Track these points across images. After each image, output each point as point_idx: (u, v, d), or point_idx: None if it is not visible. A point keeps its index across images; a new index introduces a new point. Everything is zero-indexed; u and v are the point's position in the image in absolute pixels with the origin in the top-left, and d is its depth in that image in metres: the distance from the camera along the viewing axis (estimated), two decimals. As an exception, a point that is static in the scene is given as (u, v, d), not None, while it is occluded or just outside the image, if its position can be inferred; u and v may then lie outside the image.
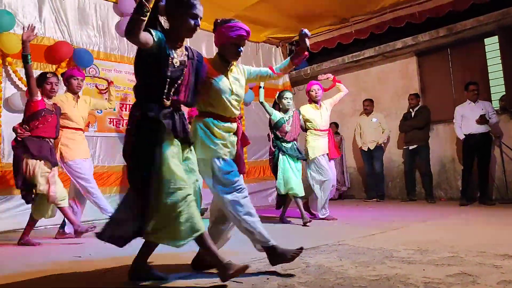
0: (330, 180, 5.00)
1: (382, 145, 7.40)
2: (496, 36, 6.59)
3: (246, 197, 2.52)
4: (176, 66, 2.30)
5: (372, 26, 7.43)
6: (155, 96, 2.27)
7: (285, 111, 4.90)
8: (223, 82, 2.56)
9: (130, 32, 2.08)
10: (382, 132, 7.38)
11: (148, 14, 2.10)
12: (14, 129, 3.95)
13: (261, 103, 4.97)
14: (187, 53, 2.41)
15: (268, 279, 2.27)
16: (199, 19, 2.33)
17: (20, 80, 5.18)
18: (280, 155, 4.81)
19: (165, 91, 2.28)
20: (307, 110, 5.14)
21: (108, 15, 6.17)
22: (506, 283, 2.02)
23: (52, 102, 4.16)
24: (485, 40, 6.78)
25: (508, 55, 6.42)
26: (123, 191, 5.53)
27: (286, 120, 4.83)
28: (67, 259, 3.12)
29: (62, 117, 4.30)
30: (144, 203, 2.18)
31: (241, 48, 2.56)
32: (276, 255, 2.46)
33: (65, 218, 4.12)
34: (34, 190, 3.93)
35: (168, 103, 2.30)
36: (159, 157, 2.20)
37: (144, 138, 2.23)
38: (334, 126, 8.28)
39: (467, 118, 6.13)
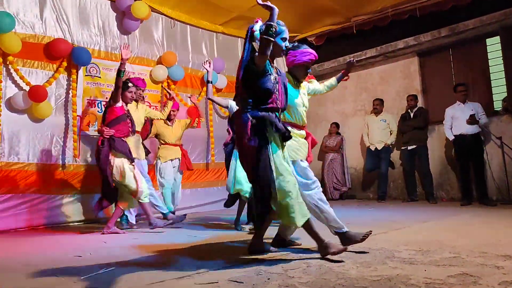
0: None
1: (390, 146, 7.36)
2: (498, 37, 6.58)
3: (320, 190, 3.10)
4: (273, 81, 2.80)
5: (374, 20, 7.39)
6: (263, 104, 2.75)
7: None
8: (298, 97, 3.15)
9: (266, 53, 2.62)
10: (390, 134, 7.35)
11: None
12: (100, 131, 4.43)
13: (209, 99, 4.71)
14: (276, 70, 2.95)
15: (269, 279, 2.26)
16: (287, 41, 2.94)
17: (22, 79, 5.18)
18: (235, 150, 4.26)
19: (270, 100, 2.77)
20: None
21: (109, 14, 6.18)
22: (507, 284, 2.00)
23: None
24: (487, 40, 6.76)
25: (510, 56, 6.41)
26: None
27: None
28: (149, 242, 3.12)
29: None
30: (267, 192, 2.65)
31: (309, 69, 3.22)
32: (348, 238, 3.00)
33: (145, 213, 4.55)
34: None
35: (273, 109, 2.79)
36: (273, 155, 2.73)
37: (261, 139, 2.70)
38: (335, 126, 8.26)
39: (457, 119, 6.19)
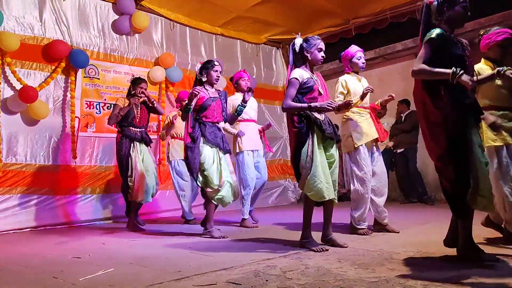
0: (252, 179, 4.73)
1: (391, 148, 7.40)
2: (497, 39, 6.58)
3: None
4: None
5: (372, 23, 7.41)
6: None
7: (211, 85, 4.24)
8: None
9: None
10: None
11: None
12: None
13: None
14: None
15: (267, 280, 2.26)
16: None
17: (19, 81, 5.17)
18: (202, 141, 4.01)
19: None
20: (234, 99, 4.78)
21: (109, 15, 6.18)
22: (506, 285, 2.01)
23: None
24: (486, 42, 6.76)
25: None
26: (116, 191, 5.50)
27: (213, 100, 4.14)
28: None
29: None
30: None
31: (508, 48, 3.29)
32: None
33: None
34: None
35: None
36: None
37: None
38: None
39: None
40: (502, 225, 3.15)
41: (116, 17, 6.22)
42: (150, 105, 4.84)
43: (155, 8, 6.59)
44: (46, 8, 5.54)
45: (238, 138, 4.76)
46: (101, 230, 4.81)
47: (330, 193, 3.14)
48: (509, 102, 3.15)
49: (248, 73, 5.10)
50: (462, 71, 2.43)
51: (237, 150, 4.78)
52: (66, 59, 5.55)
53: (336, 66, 8.22)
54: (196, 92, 3.90)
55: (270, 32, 8.01)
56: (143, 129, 4.86)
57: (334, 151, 3.34)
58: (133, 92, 4.82)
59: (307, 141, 3.16)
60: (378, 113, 7.59)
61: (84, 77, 5.83)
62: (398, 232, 3.84)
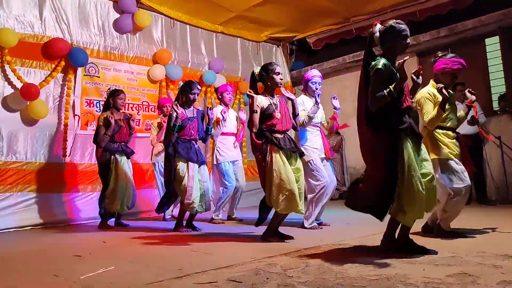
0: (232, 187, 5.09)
1: None
2: (497, 37, 6.58)
3: None
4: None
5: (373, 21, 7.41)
6: None
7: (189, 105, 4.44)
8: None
9: None
10: None
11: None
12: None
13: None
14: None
15: (268, 278, 2.26)
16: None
17: (19, 79, 5.17)
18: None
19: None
20: (218, 111, 5.01)
21: (109, 14, 6.18)
22: (506, 283, 2.01)
23: None
24: (486, 40, 6.77)
25: (509, 56, 6.41)
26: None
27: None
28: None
29: None
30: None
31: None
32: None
33: None
34: None
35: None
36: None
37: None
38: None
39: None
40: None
41: (117, 15, 6.22)
42: (130, 122, 4.97)
43: (155, 6, 6.58)
44: (46, 6, 5.54)
45: (217, 151, 5.14)
46: (102, 228, 4.81)
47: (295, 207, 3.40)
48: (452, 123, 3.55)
49: (232, 87, 5.44)
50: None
51: (217, 162, 5.13)
52: (66, 58, 5.55)
53: (336, 64, 8.23)
54: (175, 113, 4.18)
55: (270, 30, 8.01)
56: (122, 143, 4.92)
57: (299, 164, 3.59)
58: (112, 104, 4.88)
59: (267, 159, 3.44)
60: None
61: (84, 75, 5.83)
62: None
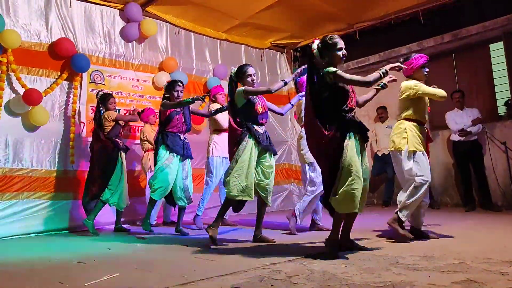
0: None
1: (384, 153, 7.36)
2: (502, 42, 6.57)
3: None
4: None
5: (377, 26, 7.43)
6: None
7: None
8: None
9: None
10: None
11: None
12: None
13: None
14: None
15: (272, 285, 2.25)
16: (343, 49, 3.37)
17: (24, 88, 5.19)
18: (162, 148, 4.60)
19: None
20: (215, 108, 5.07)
21: (114, 22, 6.23)
22: None
23: None
24: (490, 45, 6.75)
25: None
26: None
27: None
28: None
29: None
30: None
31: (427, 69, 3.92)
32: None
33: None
34: None
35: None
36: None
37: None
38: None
39: (456, 125, 6.27)
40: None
41: (122, 23, 6.27)
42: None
43: (160, 15, 6.64)
44: (52, 15, 5.60)
45: (212, 145, 5.30)
46: (107, 235, 4.83)
47: (244, 195, 3.69)
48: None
49: (223, 87, 5.51)
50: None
51: (211, 155, 5.28)
52: (69, 65, 5.59)
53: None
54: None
55: (274, 37, 8.04)
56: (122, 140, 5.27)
57: (272, 161, 3.94)
58: (104, 110, 5.16)
59: (242, 143, 3.71)
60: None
61: (90, 82, 5.88)
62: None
